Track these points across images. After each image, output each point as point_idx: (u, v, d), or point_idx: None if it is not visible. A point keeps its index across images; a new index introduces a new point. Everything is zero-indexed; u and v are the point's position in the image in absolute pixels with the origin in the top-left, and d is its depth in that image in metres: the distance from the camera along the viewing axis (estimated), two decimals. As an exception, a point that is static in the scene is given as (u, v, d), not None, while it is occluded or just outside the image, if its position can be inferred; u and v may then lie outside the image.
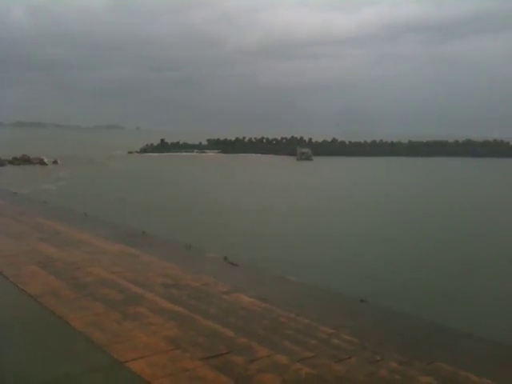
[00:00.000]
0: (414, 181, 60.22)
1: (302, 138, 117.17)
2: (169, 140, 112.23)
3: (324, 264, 20.77)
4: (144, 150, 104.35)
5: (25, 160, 72.28)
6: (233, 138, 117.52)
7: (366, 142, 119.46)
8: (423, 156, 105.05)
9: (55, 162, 74.11)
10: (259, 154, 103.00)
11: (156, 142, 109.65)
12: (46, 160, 74.57)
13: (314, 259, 21.63)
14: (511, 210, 38.09)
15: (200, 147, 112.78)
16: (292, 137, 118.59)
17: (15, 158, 72.61)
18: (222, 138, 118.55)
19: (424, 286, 18.41)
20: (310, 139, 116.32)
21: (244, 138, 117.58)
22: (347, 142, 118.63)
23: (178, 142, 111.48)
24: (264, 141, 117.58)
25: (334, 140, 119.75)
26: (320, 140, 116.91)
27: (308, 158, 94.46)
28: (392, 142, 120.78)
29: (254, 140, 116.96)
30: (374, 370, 4.84)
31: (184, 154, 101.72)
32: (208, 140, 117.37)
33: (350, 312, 6.67)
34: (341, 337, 5.62)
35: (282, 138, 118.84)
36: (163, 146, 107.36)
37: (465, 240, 27.21)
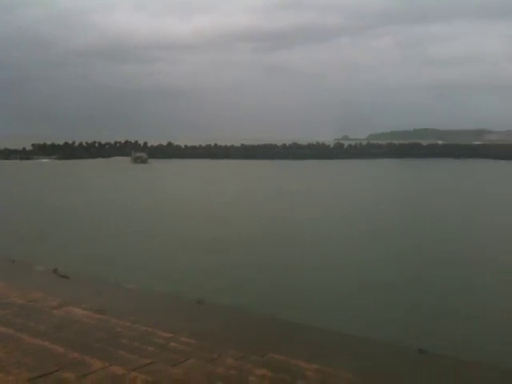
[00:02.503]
0: (238, 180, 62.89)
1: (136, 141, 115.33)
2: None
3: (160, 267, 20.60)
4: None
5: None
6: (61, 143, 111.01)
7: (201, 145, 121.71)
8: (256, 159, 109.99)
9: None
10: (97, 159, 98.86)
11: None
12: None
13: (148, 263, 21.34)
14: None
15: (25, 153, 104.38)
16: (126, 141, 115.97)
17: None
18: (49, 143, 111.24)
19: (263, 282, 19.29)
20: (146, 143, 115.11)
21: (74, 142, 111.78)
22: (183, 146, 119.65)
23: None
24: (96, 145, 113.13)
25: (169, 144, 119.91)
26: (156, 144, 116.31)
27: (144, 162, 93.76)
28: (226, 146, 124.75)
29: (85, 144, 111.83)
30: (212, 368, 4.93)
31: (6, 161, 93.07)
32: (33, 145, 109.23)
33: (188, 314, 6.69)
34: (179, 340, 5.62)
35: (116, 142, 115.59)
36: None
37: (286, 236, 29.08)
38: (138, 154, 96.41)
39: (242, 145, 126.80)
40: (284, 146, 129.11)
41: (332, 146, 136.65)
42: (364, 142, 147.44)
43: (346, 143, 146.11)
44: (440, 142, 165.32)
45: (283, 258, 23.46)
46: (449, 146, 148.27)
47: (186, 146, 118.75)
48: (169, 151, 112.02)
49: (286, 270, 21.33)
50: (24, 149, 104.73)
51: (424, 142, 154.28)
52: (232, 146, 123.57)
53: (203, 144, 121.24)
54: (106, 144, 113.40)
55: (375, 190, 53.43)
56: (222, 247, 24.54)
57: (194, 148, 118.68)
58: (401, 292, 18.13)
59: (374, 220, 34.22)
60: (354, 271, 21.23)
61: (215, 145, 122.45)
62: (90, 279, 9.00)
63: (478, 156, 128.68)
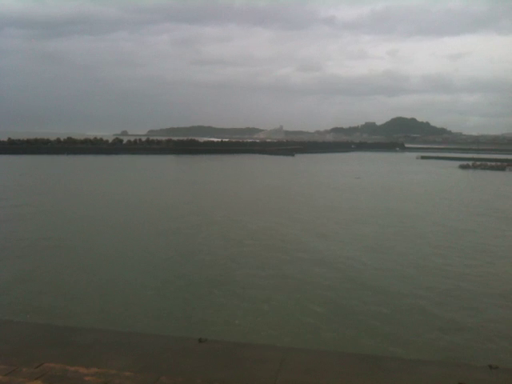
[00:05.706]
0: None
1: None
2: None
3: None
4: None
5: None
6: None
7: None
8: (27, 154, 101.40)
9: None
10: None
11: None
12: None
13: None
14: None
15: None
16: None
17: None
18: None
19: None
20: None
21: None
22: None
23: None
24: None
25: None
26: None
27: None
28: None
29: None
30: (-24, 389, 4.44)
31: None
32: None
33: None
34: None
35: None
36: None
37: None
38: None
39: (9, 139, 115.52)
40: (58, 140, 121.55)
41: (110, 141, 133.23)
42: (143, 138, 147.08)
43: (125, 139, 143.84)
44: (215, 140, 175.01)
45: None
46: (223, 143, 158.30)
47: None
48: None
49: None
50: None
51: (201, 139, 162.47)
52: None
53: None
54: None
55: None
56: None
57: None
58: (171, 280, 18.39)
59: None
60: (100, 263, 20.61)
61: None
62: None
63: (248, 151, 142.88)
